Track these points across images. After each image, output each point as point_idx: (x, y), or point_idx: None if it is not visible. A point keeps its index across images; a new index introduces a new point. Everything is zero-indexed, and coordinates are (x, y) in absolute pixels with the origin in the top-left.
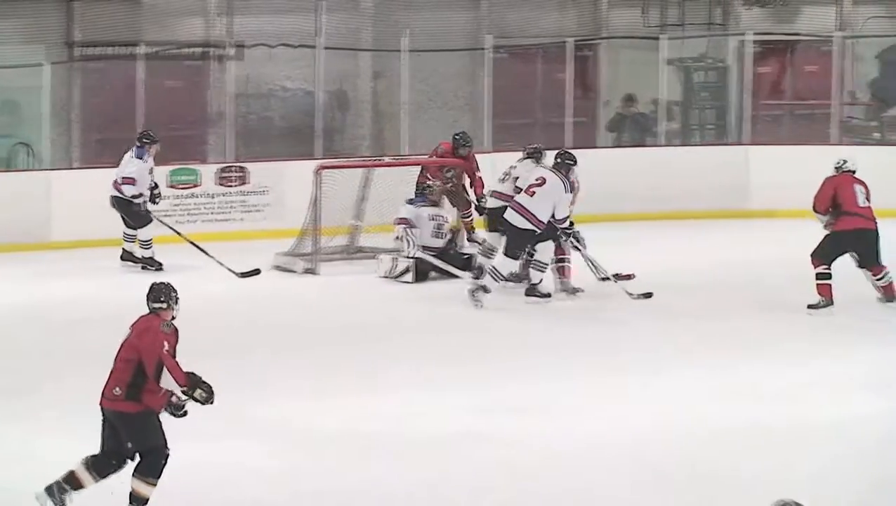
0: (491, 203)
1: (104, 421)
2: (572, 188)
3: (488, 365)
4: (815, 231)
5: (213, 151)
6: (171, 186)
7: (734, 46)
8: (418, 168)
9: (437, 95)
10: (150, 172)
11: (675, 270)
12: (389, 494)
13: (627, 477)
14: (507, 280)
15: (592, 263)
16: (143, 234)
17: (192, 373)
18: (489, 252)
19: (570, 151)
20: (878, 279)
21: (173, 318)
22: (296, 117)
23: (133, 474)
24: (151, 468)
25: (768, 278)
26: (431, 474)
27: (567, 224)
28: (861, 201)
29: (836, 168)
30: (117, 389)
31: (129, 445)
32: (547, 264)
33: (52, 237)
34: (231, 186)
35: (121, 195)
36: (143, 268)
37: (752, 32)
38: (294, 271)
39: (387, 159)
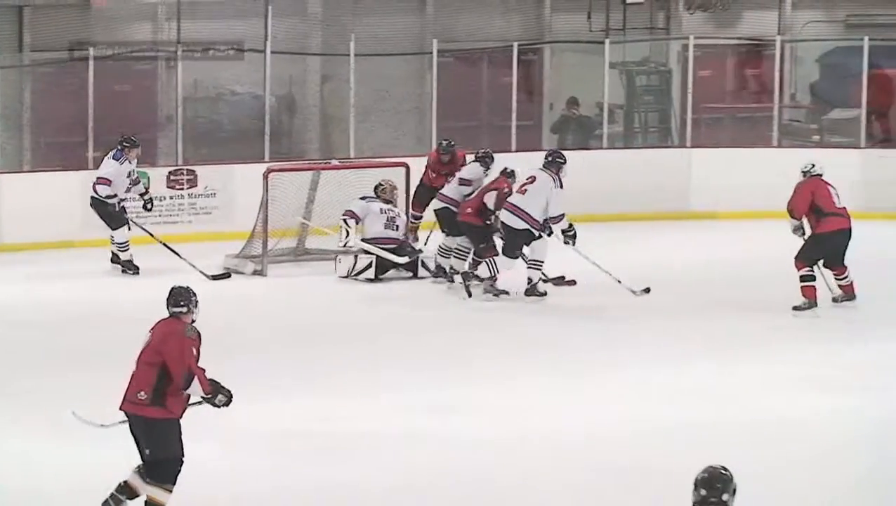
0: (435, 204)
1: (132, 430)
2: (562, 186)
3: (435, 365)
4: (755, 233)
5: (162, 155)
6: None
7: (676, 51)
8: (366, 170)
9: (385, 99)
10: (130, 175)
11: (619, 270)
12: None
13: (580, 474)
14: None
15: (594, 263)
16: (117, 235)
17: (214, 380)
18: (446, 253)
19: (560, 150)
20: (841, 279)
21: (193, 321)
22: (244, 121)
23: (148, 482)
24: (169, 475)
25: (713, 278)
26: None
27: (566, 223)
28: (837, 202)
29: (805, 173)
30: (142, 393)
31: (148, 452)
32: (542, 262)
33: (3, 239)
34: (180, 189)
35: (96, 195)
36: (122, 271)
37: (694, 37)
38: (243, 273)
39: (335, 162)
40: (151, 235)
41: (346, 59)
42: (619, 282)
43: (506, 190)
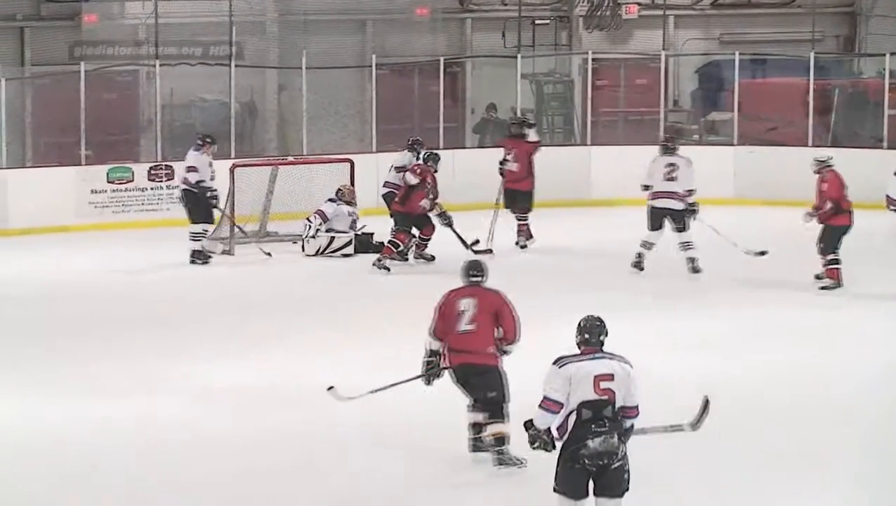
0: (382, 190)
1: (465, 375)
2: None
3: (373, 329)
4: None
5: (144, 152)
6: (110, 182)
7: (578, 64)
8: (317, 166)
9: (331, 105)
10: (209, 166)
11: (535, 249)
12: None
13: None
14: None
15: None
16: (195, 227)
17: None
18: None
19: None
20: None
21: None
22: (213, 124)
23: (491, 421)
24: (504, 411)
25: (611, 254)
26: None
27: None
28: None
29: (822, 162)
30: (490, 348)
31: (493, 393)
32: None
33: (9, 225)
34: (160, 182)
35: (188, 187)
36: (191, 262)
37: (592, 52)
38: (213, 253)
39: (290, 159)
40: (240, 228)
41: (299, 72)
42: (736, 245)
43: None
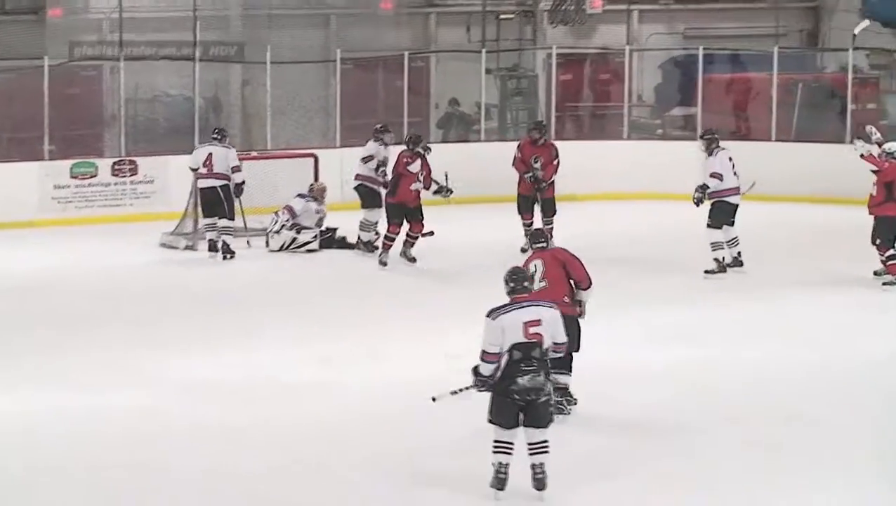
0: (353, 183)
1: None
2: None
3: (345, 323)
4: (609, 210)
5: (108, 148)
6: (73, 177)
7: (542, 58)
8: (280, 160)
9: (295, 100)
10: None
11: (500, 242)
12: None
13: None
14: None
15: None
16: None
17: None
18: (369, 226)
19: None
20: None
21: None
22: (177, 119)
23: (560, 372)
24: (570, 364)
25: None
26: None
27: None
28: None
29: (890, 153)
30: (566, 298)
31: (562, 341)
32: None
33: None
34: (123, 177)
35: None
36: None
37: (557, 47)
38: (177, 248)
39: (254, 154)
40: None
41: (263, 67)
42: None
43: (404, 160)
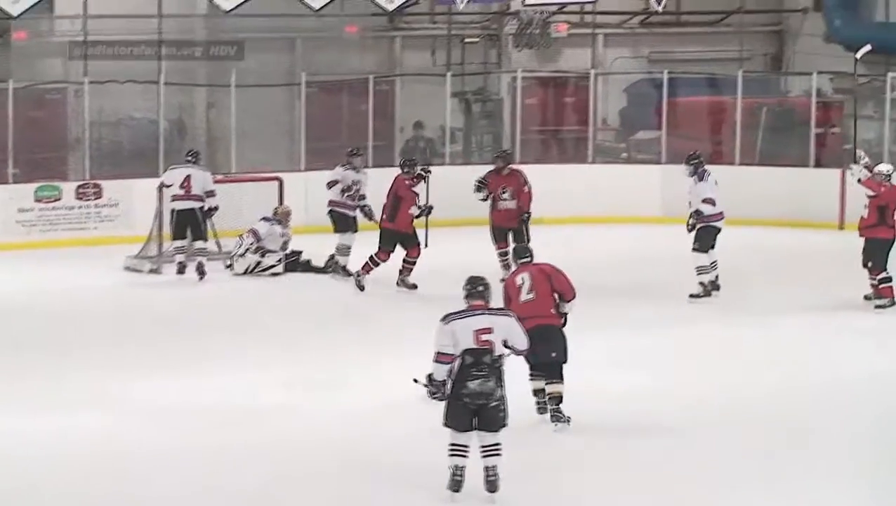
0: (327, 208)
1: (531, 339)
2: None
3: (295, 347)
4: (574, 234)
5: (72, 171)
6: (37, 201)
7: (507, 82)
8: (245, 183)
9: (260, 123)
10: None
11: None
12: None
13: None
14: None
15: None
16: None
17: None
18: (344, 250)
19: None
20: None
21: None
22: (142, 142)
23: (553, 382)
24: (561, 373)
25: None
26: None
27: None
28: None
29: (888, 175)
30: (552, 309)
31: (554, 354)
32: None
33: None
34: (88, 200)
35: (201, 205)
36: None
37: (522, 70)
38: (141, 271)
39: (219, 176)
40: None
41: (228, 90)
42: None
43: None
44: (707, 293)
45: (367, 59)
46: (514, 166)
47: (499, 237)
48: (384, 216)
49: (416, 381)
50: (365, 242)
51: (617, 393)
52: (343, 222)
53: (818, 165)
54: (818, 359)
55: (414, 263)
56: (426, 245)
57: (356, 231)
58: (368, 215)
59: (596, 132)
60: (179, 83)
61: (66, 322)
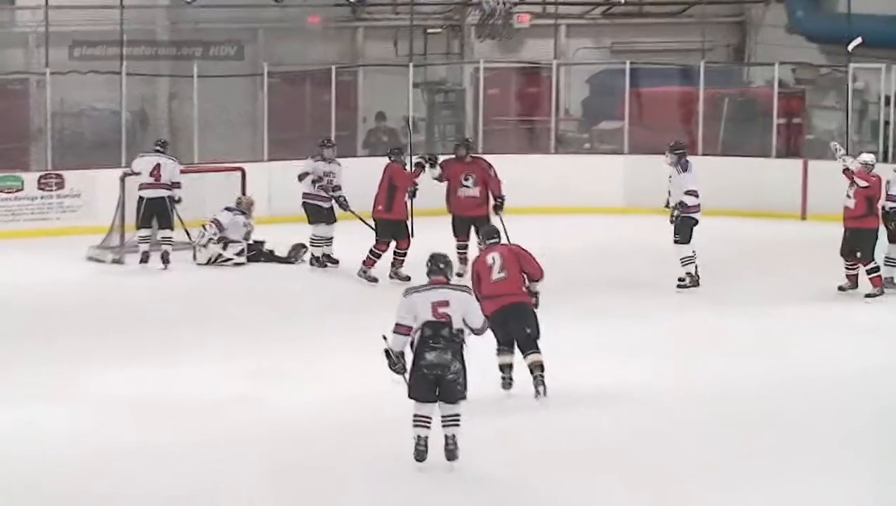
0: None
1: (504, 316)
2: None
3: (260, 338)
4: (537, 225)
5: (34, 161)
6: None
7: (469, 72)
8: (208, 174)
9: (223, 114)
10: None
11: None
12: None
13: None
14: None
15: None
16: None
17: None
18: (318, 241)
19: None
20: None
21: None
22: (104, 133)
23: (531, 352)
24: (538, 344)
25: None
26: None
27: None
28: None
29: (870, 165)
30: (522, 288)
31: (528, 330)
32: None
33: None
34: (50, 190)
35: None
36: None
37: (484, 61)
38: (104, 261)
39: (181, 167)
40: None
41: (190, 80)
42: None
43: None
44: (695, 283)
45: (329, 49)
46: (475, 154)
47: (460, 229)
48: (379, 207)
49: (385, 338)
50: (342, 231)
51: (589, 382)
52: (316, 214)
53: (780, 155)
54: (808, 351)
55: (405, 255)
56: (412, 234)
57: (333, 222)
58: (343, 206)
59: (559, 123)
60: (141, 74)
61: (27, 313)
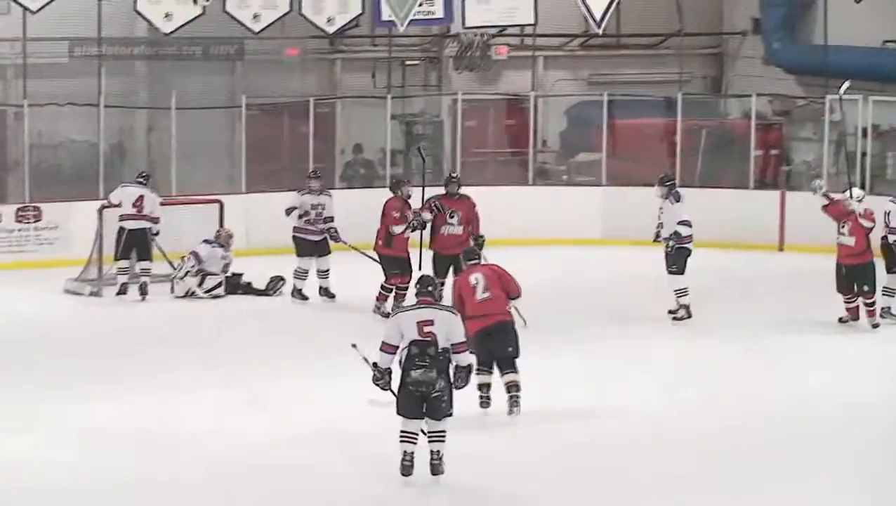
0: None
1: (489, 334)
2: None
3: (236, 369)
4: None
5: (12, 193)
6: None
7: (447, 104)
8: (186, 206)
9: (201, 146)
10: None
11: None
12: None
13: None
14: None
15: None
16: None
17: None
18: (301, 274)
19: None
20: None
21: None
22: (82, 165)
23: (510, 372)
24: (515, 364)
25: None
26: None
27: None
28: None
29: (860, 200)
30: (506, 307)
31: (511, 349)
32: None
33: None
34: (27, 223)
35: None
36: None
37: (462, 93)
38: (81, 294)
39: (159, 199)
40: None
41: (168, 112)
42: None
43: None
44: (689, 314)
45: (307, 81)
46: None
47: (441, 269)
48: (380, 242)
49: (354, 346)
50: (337, 261)
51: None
52: (301, 247)
53: (757, 186)
54: (794, 382)
55: (406, 289)
56: (420, 267)
57: (327, 253)
58: (335, 238)
59: (536, 154)
60: (119, 106)
61: (4, 345)
